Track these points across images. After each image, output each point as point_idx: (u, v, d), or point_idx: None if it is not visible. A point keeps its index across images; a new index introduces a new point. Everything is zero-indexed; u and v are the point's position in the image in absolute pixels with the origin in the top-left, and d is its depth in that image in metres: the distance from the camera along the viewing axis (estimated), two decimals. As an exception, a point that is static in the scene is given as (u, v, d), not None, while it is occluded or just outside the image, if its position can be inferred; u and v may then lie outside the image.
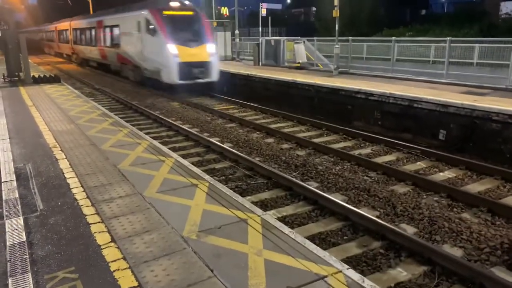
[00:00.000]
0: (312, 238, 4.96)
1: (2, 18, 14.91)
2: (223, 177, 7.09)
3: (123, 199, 4.65)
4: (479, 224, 5.41)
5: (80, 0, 41.80)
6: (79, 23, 26.85)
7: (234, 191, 5.50)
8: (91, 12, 37.58)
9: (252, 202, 5.36)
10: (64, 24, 31.53)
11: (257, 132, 10.27)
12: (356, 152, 8.47)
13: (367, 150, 8.73)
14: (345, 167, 7.66)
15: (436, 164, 7.81)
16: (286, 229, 3.94)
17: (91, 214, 4.25)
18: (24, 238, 3.75)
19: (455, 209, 5.87)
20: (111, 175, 5.43)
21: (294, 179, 6.60)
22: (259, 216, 4.21)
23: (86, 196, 4.71)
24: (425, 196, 6.31)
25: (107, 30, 20.67)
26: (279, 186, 6.59)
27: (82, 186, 5.01)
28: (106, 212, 4.29)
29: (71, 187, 4.98)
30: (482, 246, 4.86)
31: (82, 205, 4.47)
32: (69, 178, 5.30)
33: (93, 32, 23.30)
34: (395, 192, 6.43)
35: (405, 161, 8.09)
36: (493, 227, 5.35)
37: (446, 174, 7.31)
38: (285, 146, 9.05)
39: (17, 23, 22.70)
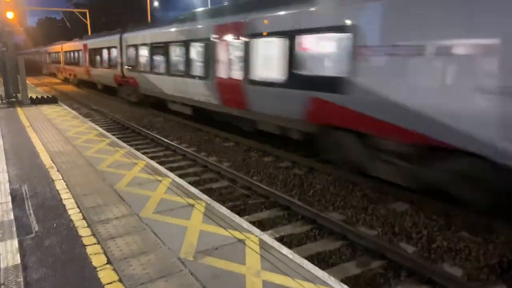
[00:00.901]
0: (310, 258, 4.91)
1: (1, 41, 15.08)
2: (221, 197, 7.06)
3: (119, 220, 4.61)
4: (477, 243, 5.38)
5: (78, 22, 42.36)
6: (146, 36, 15.89)
7: (231, 210, 5.47)
8: (89, 33, 34.31)
9: (250, 222, 5.33)
10: (103, 40, 21.48)
11: (254, 151, 10.28)
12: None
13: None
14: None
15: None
16: (284, 249, 3.92)
17: (87, 236, 4.21)
18: (19, 261, 3.70)
19: (453, 228, 5.85)
20: (108, 195, 5.40)
21: (291, 199, 6.60)
22: (257, 236, 4.19)
23: (82, 217, 4.68)
24: (423, 215, 6.30)
25: (270, 44, 9.10)
26: (277, 206, 6.58)
27: (78, 207, 4.98)
28: (102, 233, 4.26)
29: (67, 208, 4.94)
30: (481, 265, 4.82)
31: (78, 226, 4.43)
32: (65, 199, 5.27)
33: (191, 52, 12.51)
34: (394, 210, 6.41)
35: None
36: (492, 245, 5.32)
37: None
38: (282, 164, 9.05)
39: (16, 44, 22.68)
